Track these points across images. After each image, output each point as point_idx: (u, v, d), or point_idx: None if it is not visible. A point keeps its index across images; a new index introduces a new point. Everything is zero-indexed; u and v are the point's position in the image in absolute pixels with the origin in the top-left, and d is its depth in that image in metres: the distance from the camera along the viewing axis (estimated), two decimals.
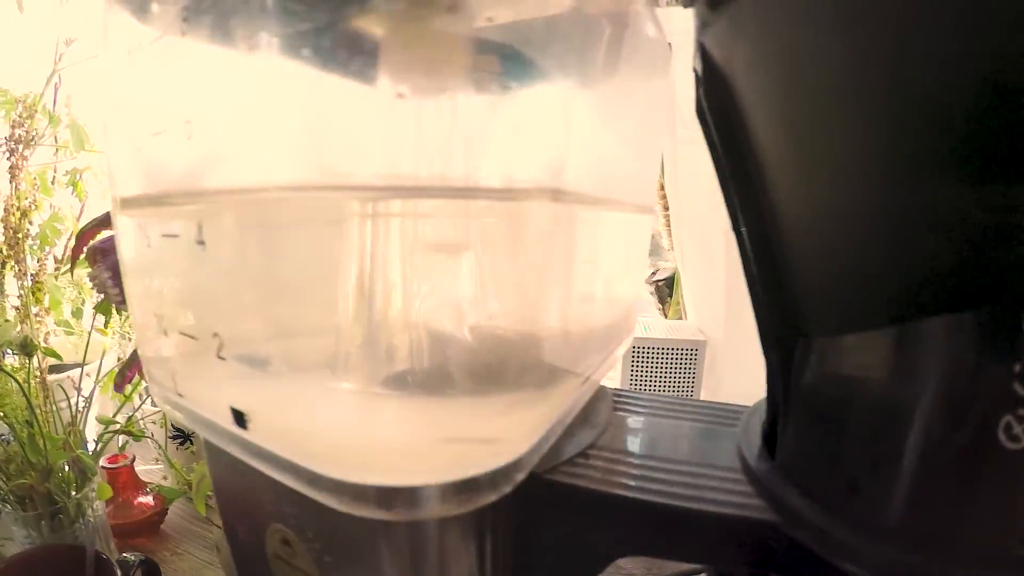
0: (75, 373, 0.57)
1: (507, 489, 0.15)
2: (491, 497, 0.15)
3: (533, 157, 0.16)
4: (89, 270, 0.45)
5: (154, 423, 0.57)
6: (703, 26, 0.19)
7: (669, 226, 0.64)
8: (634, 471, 0.20)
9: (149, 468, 0.68)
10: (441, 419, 0.16)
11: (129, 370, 0.43)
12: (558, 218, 0.16)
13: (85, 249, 0.42)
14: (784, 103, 0.17)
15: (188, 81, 0.17)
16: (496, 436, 0.16)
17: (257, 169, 0.16)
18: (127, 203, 0.21)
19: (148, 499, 0.58)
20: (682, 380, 0.53)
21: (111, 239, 0.40)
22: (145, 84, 0.19)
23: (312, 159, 0.16)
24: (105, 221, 0.44)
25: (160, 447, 0.57)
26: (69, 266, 0.49)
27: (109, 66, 0.20)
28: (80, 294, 0.56)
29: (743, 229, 0.20)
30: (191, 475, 0.58)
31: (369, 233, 0.15)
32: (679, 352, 0.52)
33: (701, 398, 0.54)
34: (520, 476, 0.16)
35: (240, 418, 0.17)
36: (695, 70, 0.20)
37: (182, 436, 0.60)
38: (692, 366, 0.53)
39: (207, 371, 0.18)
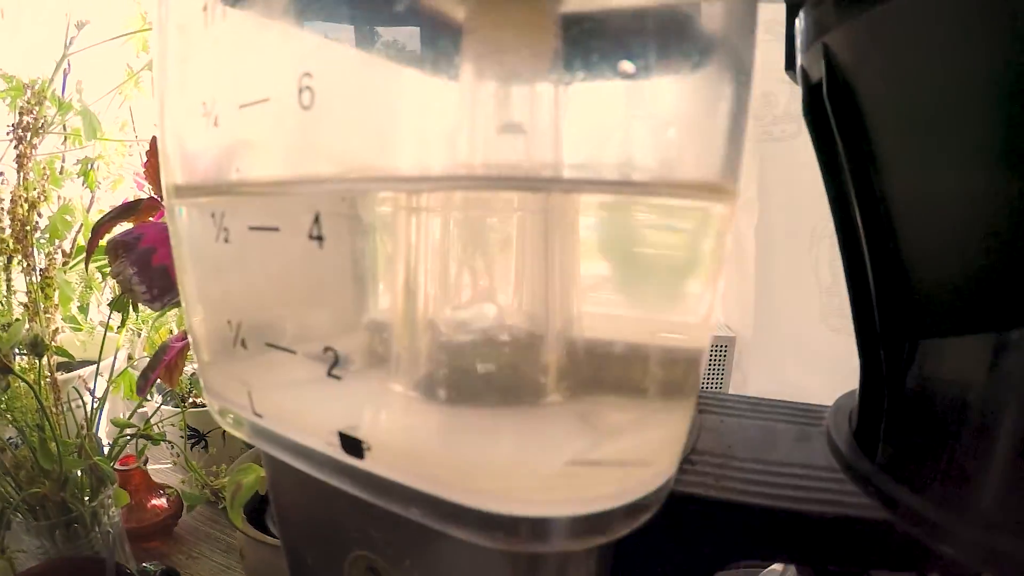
0: (85, 372, 0.56)
1: (650, 515, 0.14)
2: (636, 524, 0.13)
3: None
4: (106, 265, 0.43)
5: (172, 425, 0.55)
6: (825, 29, 0.18)
7: None
8: (742, 475, 0.20)
9: (160, 468, 0.66)
10: (587, 439, 0.14)
11: (152, 372, 0.42)
12: (718, 215, 0.15)
13: (104, 243, 0.40)
14: (920, 104, 0.17)
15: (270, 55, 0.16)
16: (647, 457, 0.14)
17: (391, 154, 0.14)
18: (192, 191, 0.19)
19: (162, 501, 0.57)
20: (711, 376, 0.52)
21: (133, 232, 0.39)
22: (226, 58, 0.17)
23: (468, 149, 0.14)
24: (123, 213, 0.42)
25: (179, 449, 0.55)
26: (81, 260, 0.47)
27: (176, 39, 0.18)
28: (89, 289, 0.54)
29: (860, 229, 0.19)
30: (211, 478, 0.57)
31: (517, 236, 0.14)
32: (710, 348, 0.51)
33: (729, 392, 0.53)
34: (661, 502, 0.14)
35: (355, 447, 0.15)
36: (803, 68, 0.20)
37: (198, 436, 0.58)
38: (721, 362, 0.52)
39: (303, 391, 0.16)
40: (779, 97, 0.52)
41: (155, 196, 0.43)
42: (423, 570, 0.18)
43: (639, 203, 0.14)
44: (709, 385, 0.52)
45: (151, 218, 0.43)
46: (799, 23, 0.20)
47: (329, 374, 0.15)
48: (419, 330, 0.16)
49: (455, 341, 0.16)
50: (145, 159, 0.43)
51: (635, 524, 0.14)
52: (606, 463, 0.14)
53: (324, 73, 0.13)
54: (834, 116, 0.19)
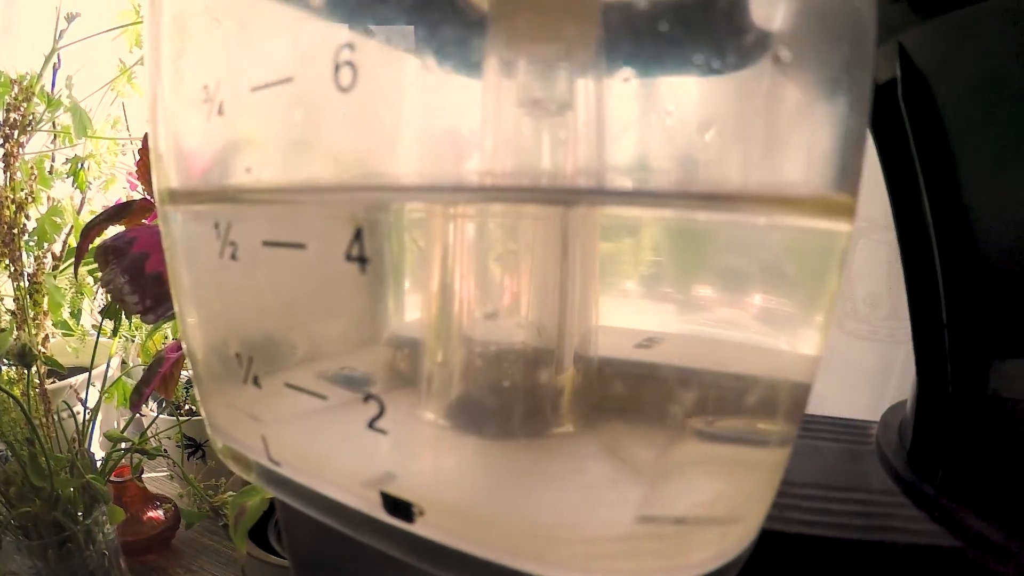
0: (77, 381, 0.53)
1: None
2: None
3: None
4: (96, 270, 0.41)
5: (169, 438, 0.53)
6: (900, 27, 0.17)
7: None
8: (803, 503, 0.18)
9: (156, 476, 0.64)
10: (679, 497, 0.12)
11: (147, 386, 0.40)
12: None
13: (93, 247, 0.38)
14: (1009, 105, 0.16)
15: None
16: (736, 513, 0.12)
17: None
18: (190, 196, 0.16)
19: (159, 513, 0.54)
20: None
21: (124, 236, 0.36)
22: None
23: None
24: (115, 215, 0.40)
25: (175, 462, 0.53)
26: (70, 264, 0.45)
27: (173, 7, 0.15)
28: (80, 294, 0.52)
29: (933, 238, 0.18)
30: (209, 492, 0.55)
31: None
32: None
33: None
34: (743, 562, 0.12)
35: (404, 510, 0.12)
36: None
37: (195, 446, 0.56)
38: None
39: (334, 440, 0.14)
40: None
41: (149, 197, 0.41)
42: None
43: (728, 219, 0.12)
44: None
45: (144, 220, 0.41)
46: None
47: (371, 427, 0.12)
48: (481, 373, 0.13)
49: (521, 385, 0.13)
50: (138, 158, 0.40)
51: None
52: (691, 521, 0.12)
53: (370, 47, 0.11)
54: (908, 117, 0.18)
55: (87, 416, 0.45)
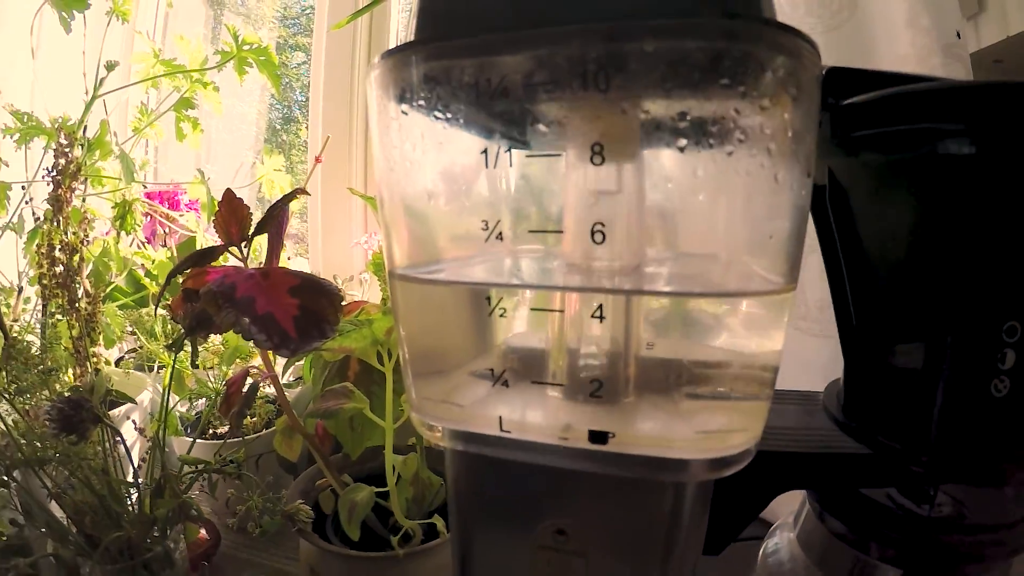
0: (119, 411, 0.56)
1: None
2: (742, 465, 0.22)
3: None
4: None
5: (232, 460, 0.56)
6: (832, 154, 0.28)
7: None
8: (776, 437, 0.29)
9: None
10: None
11: (232, 407, 0.44)
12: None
13: (188, 291, 0.42)
14: (881, 209, 0.28)
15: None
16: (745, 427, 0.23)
17: None
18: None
19: (202, 532, 0.58)
20: None
21: (224, 283, 0.41)
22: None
23: None
24: (199, 259, 0.44)
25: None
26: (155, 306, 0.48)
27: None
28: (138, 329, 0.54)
29: (847, 281, 0.30)
30: (239, 507, 0.58)
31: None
32: None
33: None
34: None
35: (602, 437, 0.22)
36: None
37: (231, 463, 0.59)
38: None
39: (557, 407, 0.24)
40: None
41: (223, 244, 0.45)
42: (605, 518, 0.25)
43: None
44: None
45: (213, 264, 0.46)
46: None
47: (592, 395, 0.23)
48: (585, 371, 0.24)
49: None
50: (213, 212, 0.45)
51: (741, 465, 0.22)
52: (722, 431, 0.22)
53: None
54: (832, 211, 0.29)
55: (158, 441, 0.48)
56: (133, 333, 0.54)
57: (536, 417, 0.24)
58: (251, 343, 0.39)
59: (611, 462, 0.22)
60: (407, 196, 0.24)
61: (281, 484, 0.60)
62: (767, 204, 0.20)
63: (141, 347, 0.56)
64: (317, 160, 0.68)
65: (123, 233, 0.53)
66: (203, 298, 0.40)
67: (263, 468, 0.62)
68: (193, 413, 0.59)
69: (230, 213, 0.45)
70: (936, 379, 0.26)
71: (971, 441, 0.26)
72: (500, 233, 0.23)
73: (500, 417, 0.23)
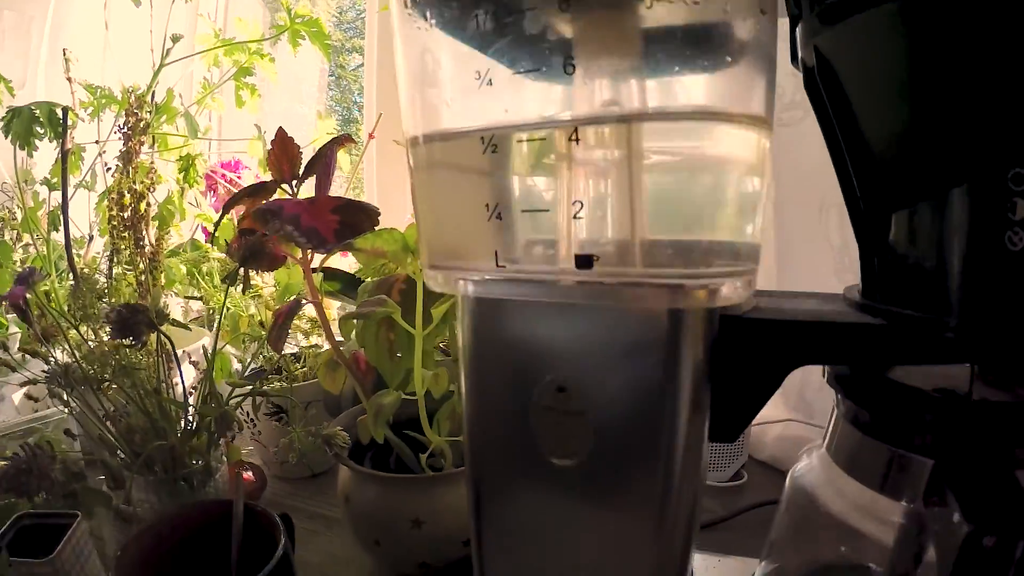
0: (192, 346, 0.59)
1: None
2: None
3: None
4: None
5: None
6: (815, 33, 0.28)
7: None
8: (792, 314, 0.28)
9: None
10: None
11: (279, 331, 0.47)
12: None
13: (244, 230, 0.46)
14: (873, 79, 0.27)
15: None
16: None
17: None
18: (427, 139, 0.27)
19: (249, 474, 0.60)
20: None
21: (273, 205, 0.44)
22: None
23: None
24: (254, 192, 0.48)
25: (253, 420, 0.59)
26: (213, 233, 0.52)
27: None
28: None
29: (847, 156, 0.30)
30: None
31: None
32: None
33: None
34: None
35: (588, 261, 0.23)
36: (802, 59, 0.30)
37: (278, 411, 0.62)
38: None
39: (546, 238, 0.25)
40: (786, 89, 0.62)
41: (275, 180, 0.49)
42: (604, 370, 0.25)
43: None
44: None
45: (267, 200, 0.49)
46: (798, 30, 0.29)
47: (575, 216, 0.24)
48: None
49: None
50: (266, 153, 0.48)
51: (736, 297, 0.24)
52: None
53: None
54: (824, 90, 0.29)
55: (210, 369, 0.51)
56: (192, 276, 0.59)
57: (529, 249, 0.25)
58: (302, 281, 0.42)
59: (601, 293, 0.24)
60: (415, 72, 0.27)
61: None
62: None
63: (201, 296, 0.60)
64: (371, 136, 0.73)
65: (186, 187, 0.59)
66: (254, 216, 0.43)
67: (311, 417, 0.65)
68: (247, 357, 0.62)
69: (282, 151, 0.49)
70: (947, 240, 0.25)
71: (995, 301, 0.25)
72: (490, 80, 0.24)
73: (496, 252, 0.25)
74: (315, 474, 0.68)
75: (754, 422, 0.63)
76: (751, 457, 0.65)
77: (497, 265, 0.26)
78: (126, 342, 0.43)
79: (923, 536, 0.29)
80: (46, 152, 0.56)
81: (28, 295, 0.44)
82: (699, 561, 0.47)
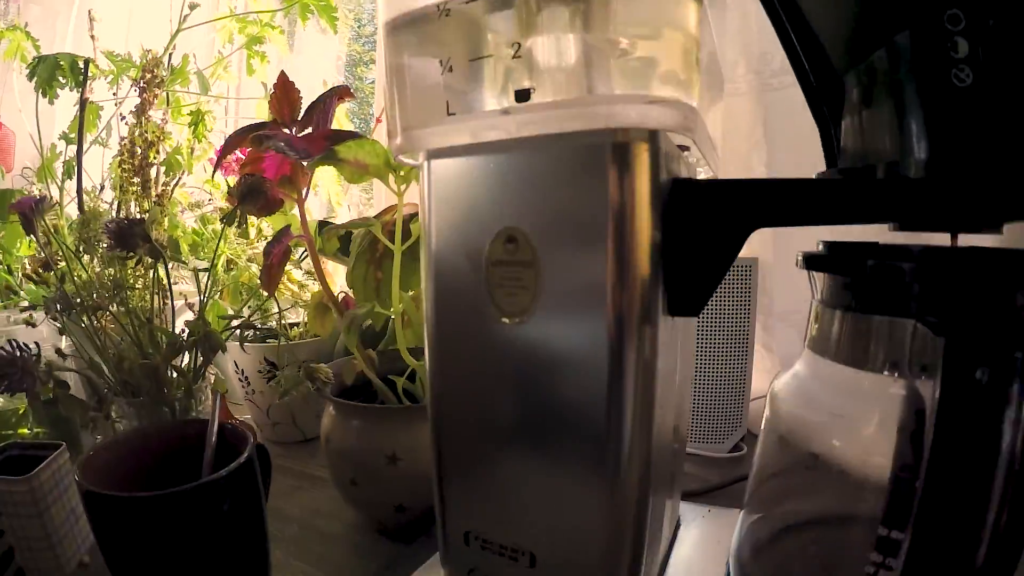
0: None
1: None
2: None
3: None
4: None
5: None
6: None
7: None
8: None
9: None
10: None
11: (271, 269, 0.48)
12: None
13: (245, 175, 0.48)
14: None
15: None
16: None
17: None
18: None
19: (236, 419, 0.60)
20: (738, 296, 0.59)
21: (268, 130, 0.46)
22: None
23: None
24: (254, 128, 0.50)
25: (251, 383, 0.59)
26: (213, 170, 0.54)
27: None
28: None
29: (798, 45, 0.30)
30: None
31: None
32: (734, 269, 0.59)
33: (757, 315, 0.60)
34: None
35: (525, 95, 0.24)
36: None
37: (272, 368, 0.63)
38: (747, 282, 0.59)
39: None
40: (776, 55, 0.63)
41: (275, 120, 0.51)
42: (552, 215, 0.25)
43: None
44: (738, 305, 0.59)
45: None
46: None
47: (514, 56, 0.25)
48: None
49: None
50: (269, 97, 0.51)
51: (676, 122, 0.24)
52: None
53: None
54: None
55: (203, 298, 0.52)
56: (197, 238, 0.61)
57: (475, 95, 0.26)
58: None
59: (543, 121, 0.24)
60: None
61: None
62: None
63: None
64: (378, 120, 0.75)
65: (196, 141, 0.61)
66: (252, 141, 0.45)
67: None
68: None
69: (283, 95, 0.51)
70: (898, 89, 0.25)
71: (951, 139, 0.24)
72: None
73: (447, 102, 0.26)
74: (307, 439, 0.68)
75: (754, 396, 0.62)
76: (750, 432, 0.63)
77: (448, 113, 0.26)
78: (125, 261, 0.44)
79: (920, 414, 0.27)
80: (65, 112, 0.59)
81: (36, 218, 0.46)
82: (688, 510, 0.45)
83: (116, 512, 0.33)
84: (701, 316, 0.60)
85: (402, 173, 0.42)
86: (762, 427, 0.34)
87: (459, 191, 0.28)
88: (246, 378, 0.63)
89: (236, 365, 0.63)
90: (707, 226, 0.27)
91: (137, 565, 0.34)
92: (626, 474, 0.25)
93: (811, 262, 0.29)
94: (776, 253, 0.67)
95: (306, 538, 0.51)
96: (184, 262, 0.54)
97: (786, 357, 0.72)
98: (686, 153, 0.32)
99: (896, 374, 0.26)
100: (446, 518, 0.31)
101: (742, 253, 0.69)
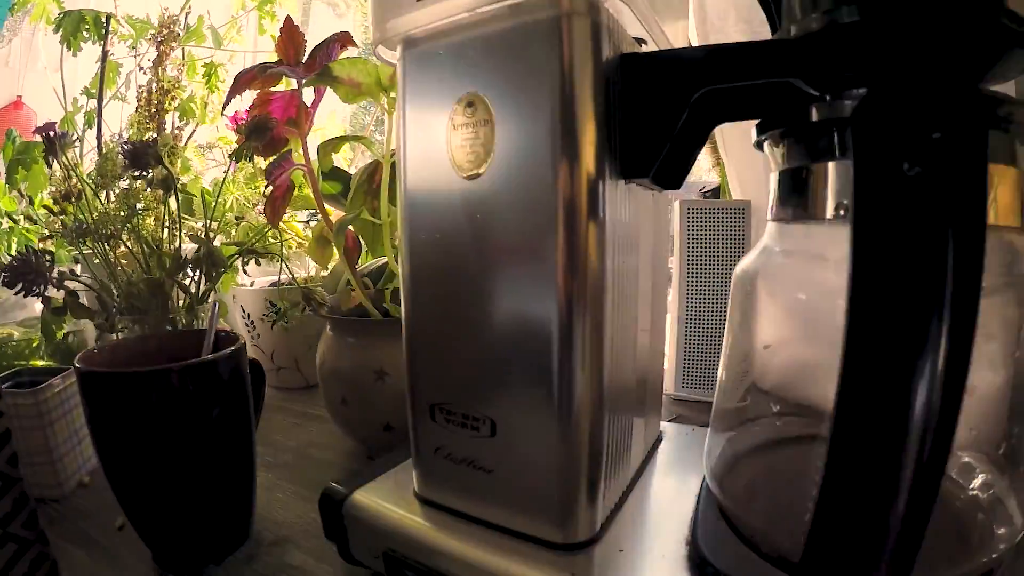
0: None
1: None
2: None
3: None
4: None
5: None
6: None
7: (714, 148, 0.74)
8: None
9: None
10: None
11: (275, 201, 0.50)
12: None
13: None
14: None
15: None
16: None
17: None
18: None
19: None
20: (733, 237, 0.60)
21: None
22: None
23: None
24: (263, 69, 0.52)
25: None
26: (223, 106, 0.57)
27: None
28: None
29: None
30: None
31: None
32: (728, 212, 0.59)
33: None
34: None
35: None
36: None
37: (277, 312, 0.65)
38: (740, 223, 0.59)
39: None
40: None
41: (281, 61, 0.53)
42: (506, 81, 0.27)
43: None
44: (733, 246, 0.60)
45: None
46: None
47: None
48: None
49: None
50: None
51: None
52: None
53: None
54: None
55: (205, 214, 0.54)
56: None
57: None
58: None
59: None
60: None
61: None
62: None
63: None
64: None
65: (208, 91, 0.65)
66: (258, 71, 0.48)
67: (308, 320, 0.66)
68: None
69: (289, 38, 0.53)
70: None
71: None
72: None
73: None
74: (310, 385, 0.69)
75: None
76: (756, 385, 0.62)
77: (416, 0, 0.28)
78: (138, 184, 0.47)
79: None
80: (86, 70, 0.63)
81: (59, 145, 0.49)
82: (670, 428, 0.46)
83: (107, 389, 0.34)
84: (694, 260, 0.61)
85: (393, 96, 0.44)
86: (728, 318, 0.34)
87: (428, 73, 0.30)
88: (252, 323, 0.66)
89: (243, 310, 0.66)
90: (653, 92, 0.27)
91: (126, 452, 0.35)
92: (578, 319, 0.26)
93: (760, 128, 0.29)
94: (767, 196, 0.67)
95: (299, 464, 0.52)
96: (192, 195, 0.57)
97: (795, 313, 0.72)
98: (644, 46, 0.34)
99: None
100: (415, 393, 0.33)
101: (737, 196, 0.69)
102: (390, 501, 0.33)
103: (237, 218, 0.65)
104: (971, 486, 0.27)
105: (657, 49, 0.34)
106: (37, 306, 0.70)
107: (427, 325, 0.31)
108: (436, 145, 0.29)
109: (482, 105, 0.27)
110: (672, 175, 0.31)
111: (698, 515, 0.31)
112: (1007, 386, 0.27)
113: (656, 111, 0.27)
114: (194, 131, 0.62)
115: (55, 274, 0.43)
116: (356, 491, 0.34)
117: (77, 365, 0.36)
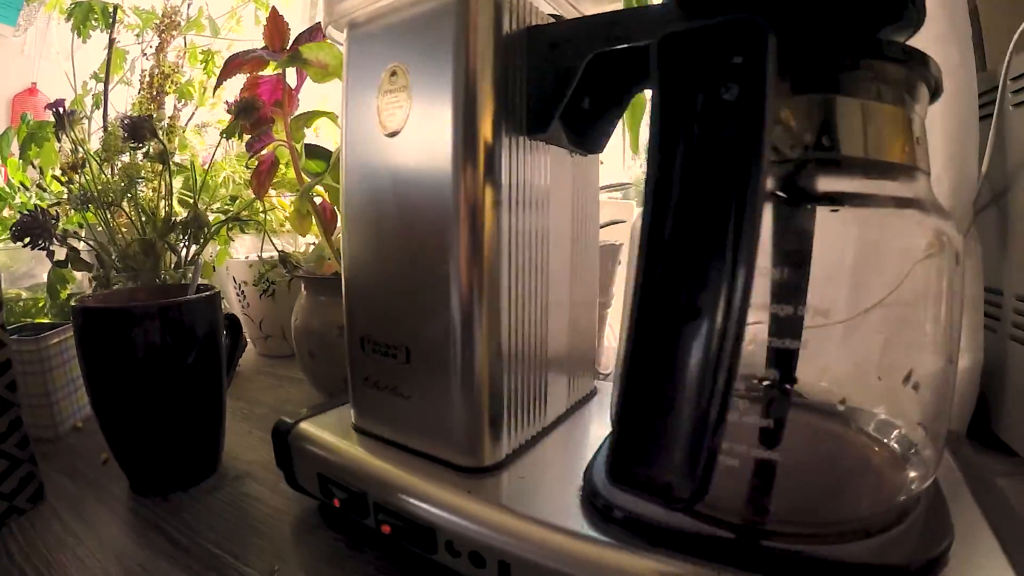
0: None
1: None
2: None
3: None
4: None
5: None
6: None
7: None
8: None
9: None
10: None
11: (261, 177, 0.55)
12: None
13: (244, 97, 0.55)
14: None
15: None
16: None
17: None
18: None
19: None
20: None
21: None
22: None
23: None
24: (252, 52, 0.58)
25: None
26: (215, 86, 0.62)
27: None
28: None
29: None
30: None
31: None
32: None
33: None
34: None
35: None
36: None
37: (268, 285, 0.70)
38: None
39: None
40: None
41: (267, 47, 0.58)
42: (419, 52, 0.31)
43: None
44: None
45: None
46: None
47: None
48: None
49: None
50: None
51: None
52: None
53: None
54: None
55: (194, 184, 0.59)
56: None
57: None
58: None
59: None
60: None
61: None
62: None
63: None
64: None
65: (206, 76, 0.70)
66: (243, 56, 0.53)
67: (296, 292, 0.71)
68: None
69: (274, 26, 0.59)
70: None
71: None
72: None
73: None
74: (295, 353, 0.74)
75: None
76: None
77: None
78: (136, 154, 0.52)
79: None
80: (95, 57, 0.68)
81: (67, 121, 0.54)
82: (609, 388, 0.49)
83: (96, 322, 0.39)
84: None
85: None
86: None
87: (365, 49, 0.34)
88: (243, 292, 0.71)
89: (235, 280, 0.71)
90: (550, 58, 0.30)
91: (111, 381, 0.40)
92: (474, 262, 0.30)
93: None
94: None
95: (272, 417, 0.55)
96: (186, 168, 0.62)
97: None
98: None
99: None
100: (351, 329, 0.37)
101: None
102: (329, 431, 0.37)
103: (232, 198, 0.71)
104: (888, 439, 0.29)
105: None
106: (43, 276, 0.76)
107: (359, 267, 0.36)
108: (369, 111, 0.34)
109: (402, 74, 0.32)
110: (588, 138, 0.35)
111: (599, 454, 0.34)
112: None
113: (552, 74, 0.30)
114: (193, 113, 0.68)
115: (60, 230, 0.49)
116: (301, 422, 0.38)
117: (73, 304, 0.41)
